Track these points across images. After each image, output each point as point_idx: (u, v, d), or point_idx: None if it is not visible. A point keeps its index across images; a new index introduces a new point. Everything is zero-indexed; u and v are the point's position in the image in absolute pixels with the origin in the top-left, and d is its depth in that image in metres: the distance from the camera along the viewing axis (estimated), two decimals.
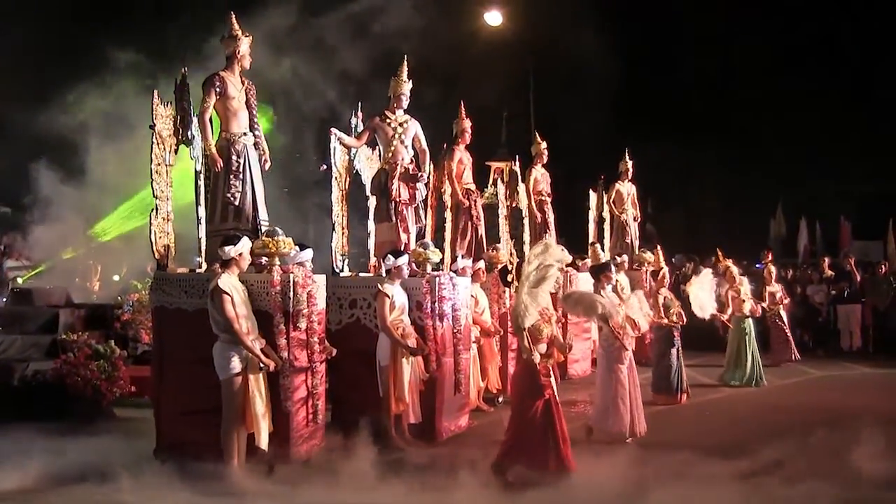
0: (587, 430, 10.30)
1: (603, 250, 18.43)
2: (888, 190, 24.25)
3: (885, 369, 16.53)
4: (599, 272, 10.58)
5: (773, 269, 17.42)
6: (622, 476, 8.21)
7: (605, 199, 18.63)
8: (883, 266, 20.31)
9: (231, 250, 8.26)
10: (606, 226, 18.73)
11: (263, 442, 8.19)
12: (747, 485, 7.98)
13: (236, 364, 8.09)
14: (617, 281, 12.46)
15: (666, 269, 13.59)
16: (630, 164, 18.68)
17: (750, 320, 14.93)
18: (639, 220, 19.11)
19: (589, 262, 17.08)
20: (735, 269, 15.25)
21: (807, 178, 25.93)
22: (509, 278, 13.18)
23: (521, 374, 8.35)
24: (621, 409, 10.17)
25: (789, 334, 17.06)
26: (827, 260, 21.10)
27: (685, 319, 12.95)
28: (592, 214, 18.38)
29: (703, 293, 13.87)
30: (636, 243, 18.68)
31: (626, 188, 18.74)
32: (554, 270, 8.19)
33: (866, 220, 25.73)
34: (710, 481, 7.99)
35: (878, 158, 24.44)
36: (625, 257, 17.22)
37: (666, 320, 12.59)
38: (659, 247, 16.25)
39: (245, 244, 8.38)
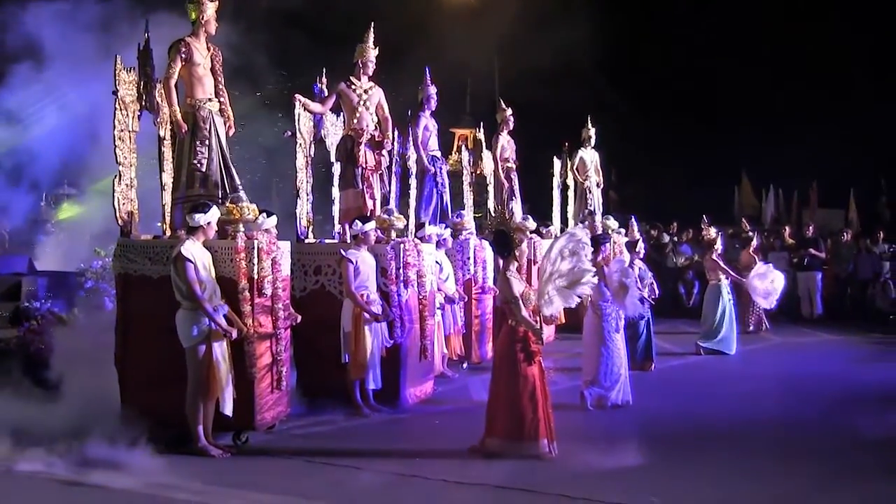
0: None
1: (566, 217, 18.55)
2: (850, 160, 24.46)
3: (843, 335, 16.84)
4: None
5: (753, 238, 17.53)
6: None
7: (568, 166, 18.69)
8: (845, 234, 20.62)
9: (201, 218, 8.20)
10: (570, 193, 18.81)
11: (228, 408, 8.19)
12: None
13: (199, 332, 8.06)
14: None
15: (641, 240, 13.68)
16: (593, 131, 18.63)
17: (728, 287, 14.95)
18: (601, 186, 19.13)
19: (553, 230, 17.20)
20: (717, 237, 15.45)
21: (770, 148, 26.10)
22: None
23: (510, 342, 8.09)
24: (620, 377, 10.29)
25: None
26: (787, 228, 21.36)
27: (658, 292, 13.01)
28: (556, 181, 18.46)
29: (763, 284, 14.65)
30: (599, 210, 18.72)
31: (590, 155, 18.71)
32: (589, 277, 8.10)
33: (829, 189, 26.02)
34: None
35: (840, 129, 24.60)
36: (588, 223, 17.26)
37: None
38: (634, 217, 16.32)
39: (215, 213, 8.34)
